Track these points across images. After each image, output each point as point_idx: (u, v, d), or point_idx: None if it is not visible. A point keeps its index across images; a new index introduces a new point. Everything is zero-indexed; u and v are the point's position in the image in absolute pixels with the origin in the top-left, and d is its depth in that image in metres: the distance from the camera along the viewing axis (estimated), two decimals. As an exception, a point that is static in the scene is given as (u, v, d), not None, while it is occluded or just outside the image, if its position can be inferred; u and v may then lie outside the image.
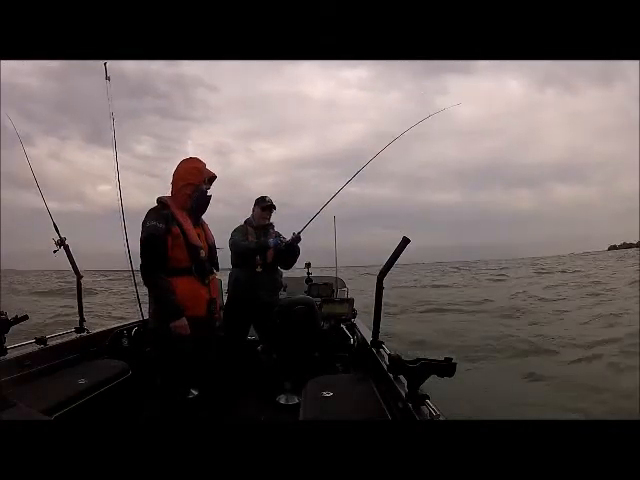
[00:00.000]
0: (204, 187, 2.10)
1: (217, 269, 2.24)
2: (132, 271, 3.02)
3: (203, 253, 2.06)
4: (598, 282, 15.24)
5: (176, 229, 1.98)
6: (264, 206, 2.90)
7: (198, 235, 2.09)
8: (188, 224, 2.04)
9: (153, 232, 1.96)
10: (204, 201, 2.12)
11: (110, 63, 2.91)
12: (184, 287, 1.99)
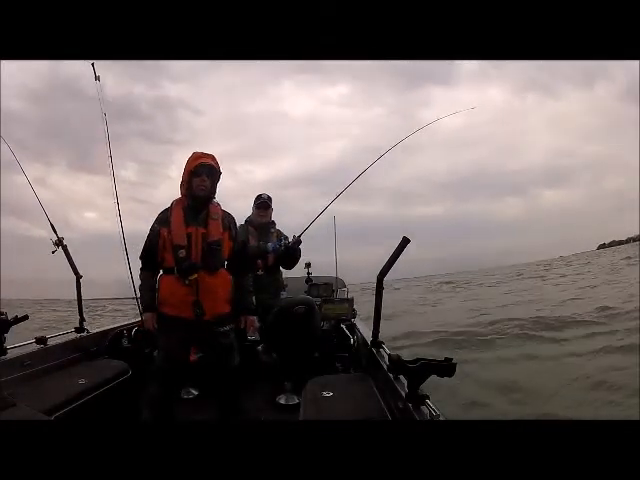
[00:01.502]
0: (194, 182, 2.00)
1: (210, 269, 2.02)
2: (131, 275, 3.01)
3: (183, 253, 1.98)
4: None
5: (164, 231, 2.02)
6: (258, 204, 2.93)
7: (190, 234, 2.00)
8: (178, 224, 2.02)
9: (149, 233, 2.10)
10: (195, 197, 2.02)
11: (93, 83, 2.88)
12: (165, 286, 2.05)
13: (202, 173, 1.99)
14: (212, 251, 2.03)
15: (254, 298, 2.78)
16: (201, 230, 2.02)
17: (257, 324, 2.23)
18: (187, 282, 1.97)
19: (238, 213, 2.94)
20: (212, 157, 2.05)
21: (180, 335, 2.05)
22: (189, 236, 2.00)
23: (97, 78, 2.93)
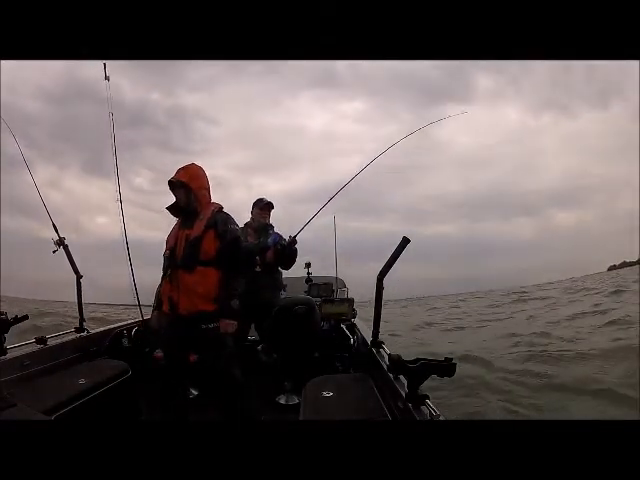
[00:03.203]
0: (176, 194, 2.22)
1: (187, 266, 2.09)
2: (132, 273, 3.01)
3: (167, 253, 2.20)
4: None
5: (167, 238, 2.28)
6: (262, 205, 2.98)
7: (178, 236, 2.19)
8: (174, 230, 2.24)
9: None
10: (179, 208, 2.23)
11: (110, 90, 2.93)
12: (162, 286, 2.24)
13: (173, 188, 2.21)
14: (189, 248, 2.13)
15: (254, 295, 2.79)
16: (187, 232, 2.17)
17: (233, 328, 2.14)
18: (167, 278, 2.15)
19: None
20: (184, 169, 2.20)
21: (169, 332, 2.17)
22: (177, 238, 2.19)
23: (107, 78, 2.96)
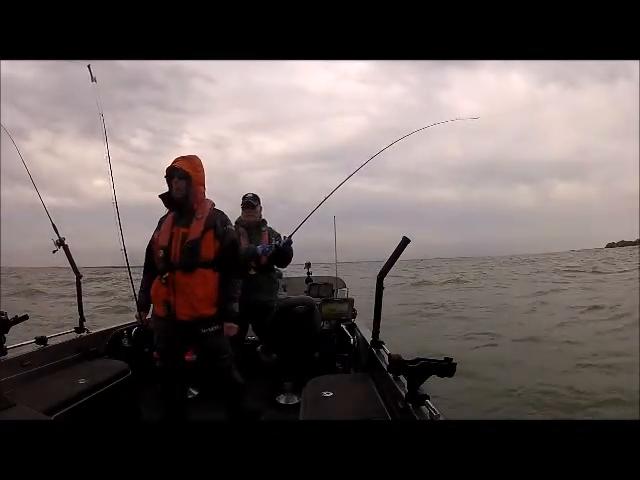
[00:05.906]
0: (172, 185, 2.07)
1: (186, 268, 2.02)
2: (128, 268, 2.99)
3: (161, 253, 2.06)
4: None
5: (156, 234, 2.15)
6: (242, 204, 2.89)
7: (172, 234, 2.07)
8: (166, 226, 2.12)
9: (150, 239, 2.21)
10: (174, 200, 2.09)
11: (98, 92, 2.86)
12: (153, 287, 2.13)
13: (174, 176, 2.06)
14: (188, 250, 2.04)
15: (250, 297, 2.77)
16: (183, 230, 2.07)
17: (235, 332, 2.16)
18: (163, 281, 2.05)
19: (247, 187, 2.90)
20: (187, 160, 2.08)
21: (166, 334, 2.12)
22: (171, 237, 2.08)
23: (94, 79, 2.92)
